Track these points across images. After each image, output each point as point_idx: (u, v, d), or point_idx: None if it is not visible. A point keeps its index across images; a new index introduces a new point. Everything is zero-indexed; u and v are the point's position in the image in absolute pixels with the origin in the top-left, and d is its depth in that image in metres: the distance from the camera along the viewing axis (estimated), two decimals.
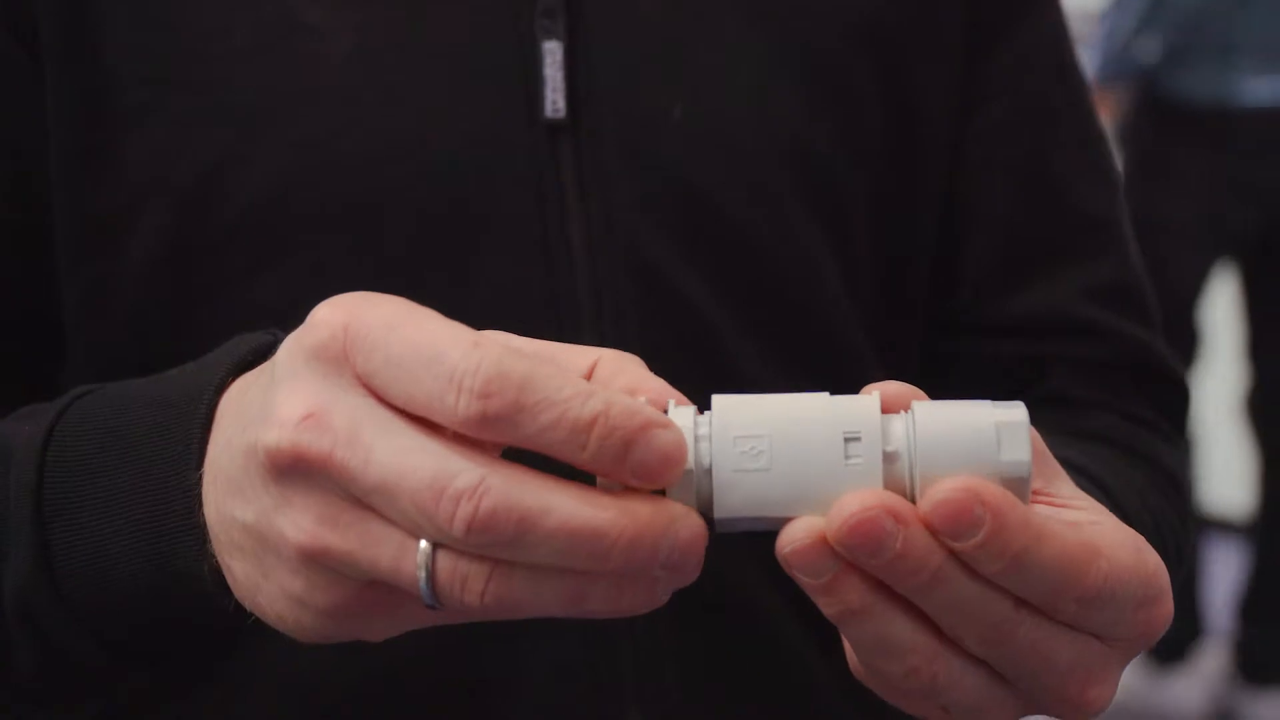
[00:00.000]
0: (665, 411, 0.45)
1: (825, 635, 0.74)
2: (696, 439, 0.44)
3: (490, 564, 0.43)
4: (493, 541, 0.42)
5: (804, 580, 0.45)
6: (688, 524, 0.43)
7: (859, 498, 0.43)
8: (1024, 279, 0.78)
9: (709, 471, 0.45)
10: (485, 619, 0.45)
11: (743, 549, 0.72)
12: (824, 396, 0.46)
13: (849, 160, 0.73)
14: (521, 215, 0.67)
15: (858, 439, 0.45)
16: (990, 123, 0.78)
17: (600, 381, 0.46)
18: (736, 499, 0.45)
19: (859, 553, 0.43)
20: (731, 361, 0.70)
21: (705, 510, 0.45)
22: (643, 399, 0.45)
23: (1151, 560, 0.47)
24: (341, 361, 0.44)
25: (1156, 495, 0.75)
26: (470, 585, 0.43)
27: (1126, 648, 0.48)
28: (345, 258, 0.67)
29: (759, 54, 0.72)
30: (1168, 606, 0.48)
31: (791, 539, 0.44)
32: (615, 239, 0.68)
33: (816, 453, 0.45)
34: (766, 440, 0.45)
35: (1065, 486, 0.50)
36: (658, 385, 0.46)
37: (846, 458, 0.45)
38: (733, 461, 0.45)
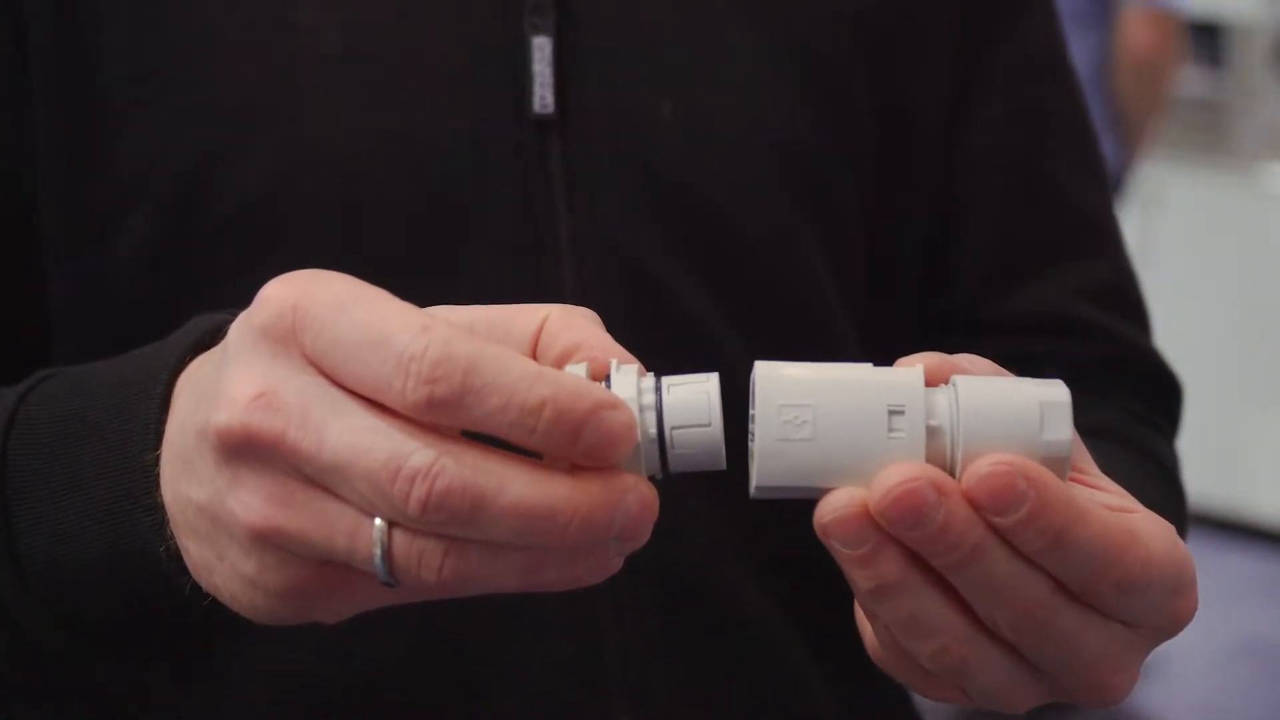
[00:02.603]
0: (608, 375, 0.45)
1: (813, 633, 0.74)
2: (641, 407, 0.44)
3: (446, 541, 0.43)
4: (448, 520, 0.42)
5: (841, 551, 0.45)
6: (639, 494, 0.44)
7: (902, 469, 0.44)
8: (1017, 278, 0.79)
9: (654, 440, 0.45)
10: (441, 596, 0.45)
11: (732, 548, 0.72)
12: (867, 367, 0.46)
13: (840, 157, 0.73)
14: (510, 211, 0.67)
15: (901, 412, 0.45)
16: (983, 122, 0.78)
17: (547, 339, 0.46)
18: (780, 468, 0.45)
19: (900, 524, 0.44)
20: (720, 357, 0.69)
21: (653, 474, 0.45)
22: (585, 366, 0.45)
23: (1182, 550, 0.48)
24: (290, 340, 0.44)
25: (1154, 489, 0.75)
26: (427, 562, 0.43)
27: (1153, 636, 0.49)
28: (334, 255, 0.66)
29: (750, 51, 0.71)
30: (1195, 598, 0.48)
31: (833, 508, 0.44)
32: (604, 235, 0.68)
33: (860, 424, 0.45)
34: (811, 410, 0.45)
35: (1091, 464, 0.50)
36: (601, 343, 0.46)
37: (890, 430, 0.45)
38: (776, 430, 0.45)
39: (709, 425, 0.45)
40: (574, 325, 0.46)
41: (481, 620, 0.68)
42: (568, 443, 0.42)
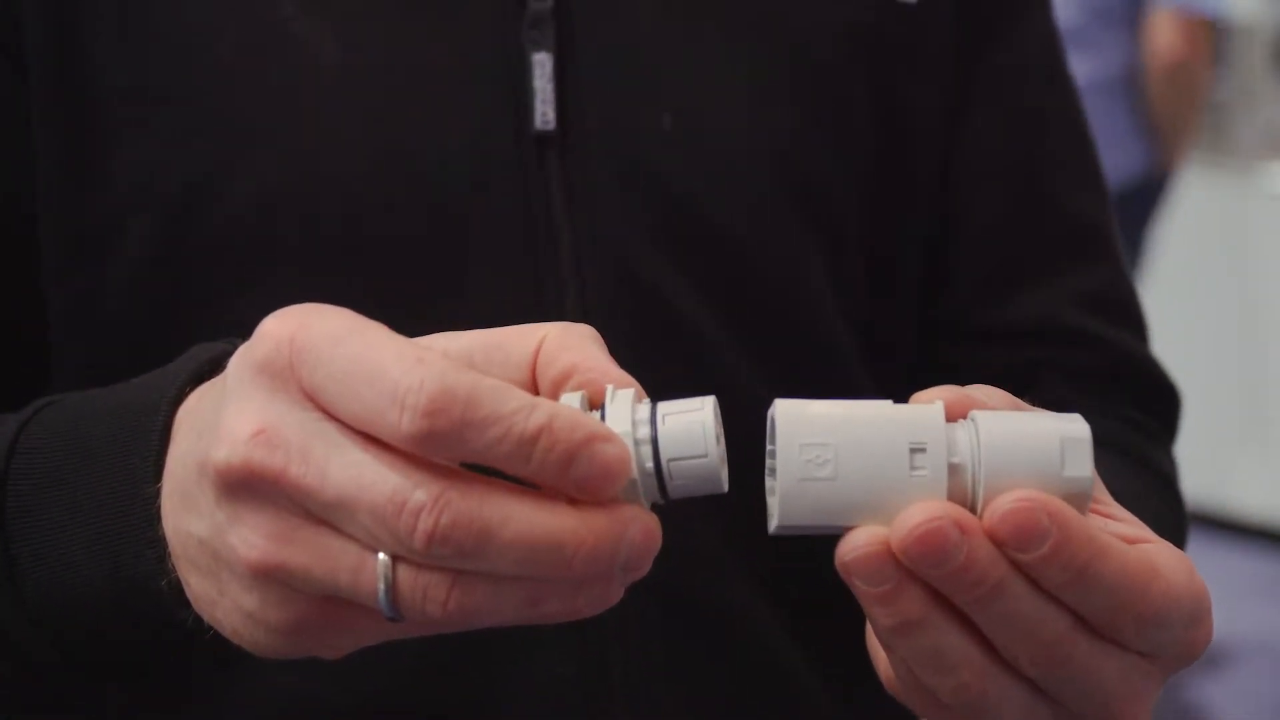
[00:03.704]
0: (602, 406, 0.45)
1: (817, 651, 0.73)
2: (636, 441, 0.44)
3: (451, 574, 0.43)
4: (454, 553, 0.42)
5: (862, 589, 0.45)
6: (642, 524, 0.44)
7: (925, 508, 0.44)
8: (1015, 286, 0.79)
9: (651, 473, 0.44)
10: (444, 630, 0.45)
11: (736, 565, 0.71)
12: (888, 405, 0.46)
13: (839, 169, 0.73)
14: (510, 227, 0.67)
15: (923, 449, 0.45)
16: (980, 129, 0.77)
17: (545, 360, 0.46)
18: (801, 507, 0.45)
19: (923, 563, 0.44)
20: (722, 370, 0.69)
21: (653, 501, 0.45)
22: (581, 394, 0.45)
23: (1199, 581, 0.48)
24: (288, 375, 0.44)
25: (1155, 500, 0.75)
26: (432, 595, 0.43)
27: (1169, 666, 0.49)
28: (332, 270, 0.66)
29: (748, 63, 0.71)
30: (1211, 626, 0.48)
31: (854, 546, 0.44)
32: (604, 250, 0.68)
33: (882, 463, 0.45)
34: (832, 449, 0.45)
35: (1106, 493, 0.50)
36: (597, 365, 0.46)
37: (912, 469, 0.45)
38: (798, 470, 0.45)
39: (705, 456, 0.44)
40: (571, 345, 0.46)
41: (486, 641, 0.67)
42: (560, 473, 0.42)
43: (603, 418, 0.44)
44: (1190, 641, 0.48)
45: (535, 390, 0.46)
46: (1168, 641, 0.47)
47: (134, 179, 0.66)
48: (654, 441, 0.44)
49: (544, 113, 0.67)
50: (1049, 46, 0.81)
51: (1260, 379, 3.65)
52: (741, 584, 0.71)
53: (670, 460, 0.44)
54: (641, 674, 0.68)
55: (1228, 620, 3.27)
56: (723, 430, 0.46)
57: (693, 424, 0.44)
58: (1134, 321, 0.81)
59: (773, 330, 0.72)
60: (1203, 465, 3.56)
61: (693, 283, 0.69)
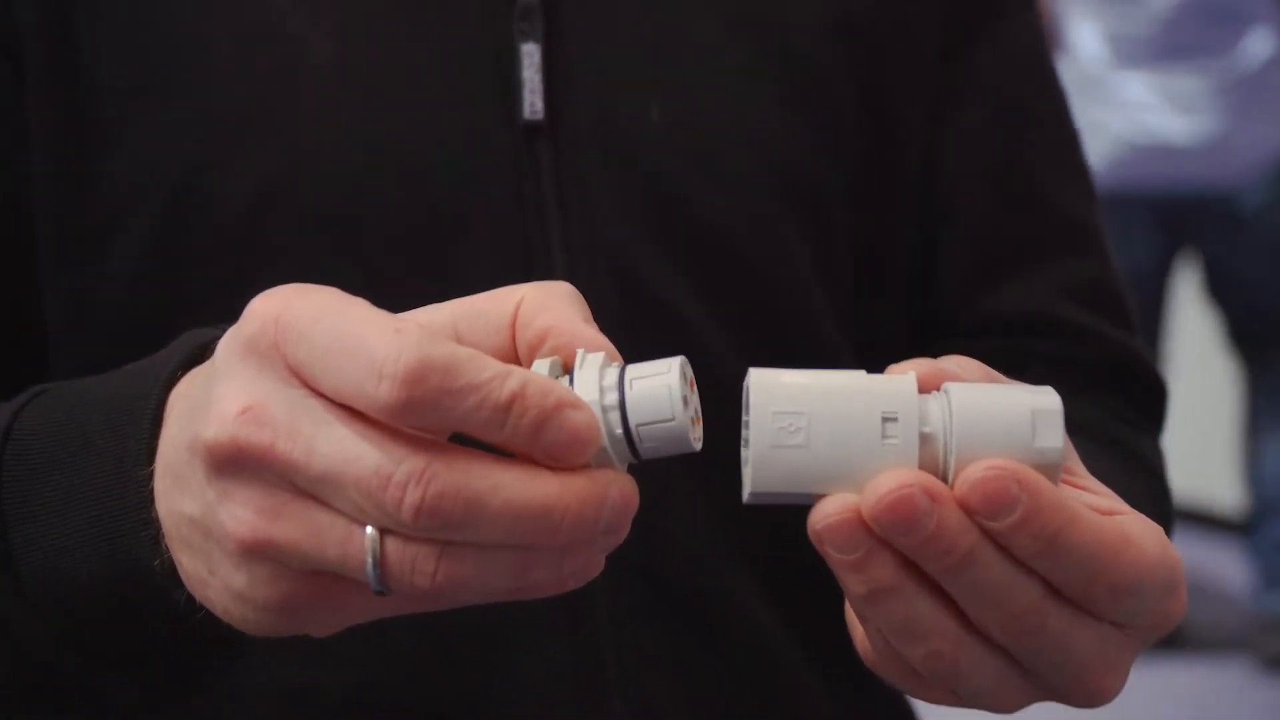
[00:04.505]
0: (570, 370, 0.45)
1: (811, 639, 0.74)
2: (604, 408, 0.45)
3: (439, 546, 0.44)
4: (442, 524, 0.43)
5: (834, 556, 0.45)
6: (619, 487, 0.44)
7: (895, 475, 0.44)
8: (1001, 280, 0.79)
9: (621, 438, 0.45)
10: (431, 606, 0.46)
11: (729, 554, 0.72)
12: (861, 375, 0.47)
13: (827, 160, 0.73)
14: (501, 217, 0.67)
15: (895, 419, 0.45)
16: (966, 126, 0.78)
17: (523, 321, 0.46)
18: (774, 475, 0.46)
19: (893, 530, 0.44)
20: (711, 360, 0.70)
21: (627, 463, 0.46)
22: (555, 361, 0.45)
23: (1173, 551, 0.48)
24: (274, 353, 0.44)
25: (1140, 488, 0.75)
26: (420, 568, 0.44)
27: (1143, 636, 0.49)
28: (327, 263, 0.67)
29: (737, 55, 0.72)
30: (1184, 597, 0.49)
31: (826, 514, 0.45)
32: (594, 240, 0.68)
33: (854, 432, 0.45)
34: (805, 418, 0.45)
35: (1081, 466, 0.51)
36: (570, 329, 0.46)
37: (884, 437, 0.45)
38: (771, 438, 0.46)
39: (673, 420, 0.45)
40: (547, 307, 0.47)
41: (480, 632, 0.68)
42: (531, 438, 0.43)
43: (571, 383, 0.45)
44: (1164, 612, 0.48)
45: (515, 354, 0.47)
46: (1141, 611, 0.47)
47: (130, 175, 0.66)
48: (621, 407, 0.45)
49: (533, 103, 0.67)
50: (1034, 42, 0.81)
51: None
52: (735, 573, 0.72)
53: (639, 425, 0.45)
54: (636, 665, 0.69)
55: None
56: (695, 390, 0.46)
57: (659, 388, 0.45)
58: (1120, 314, 0.81)
59: (761, 320, 0.72)
60: (1203, 465, 3.58)
61: (682, 272, 0.70)
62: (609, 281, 0.68)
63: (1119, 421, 0.78)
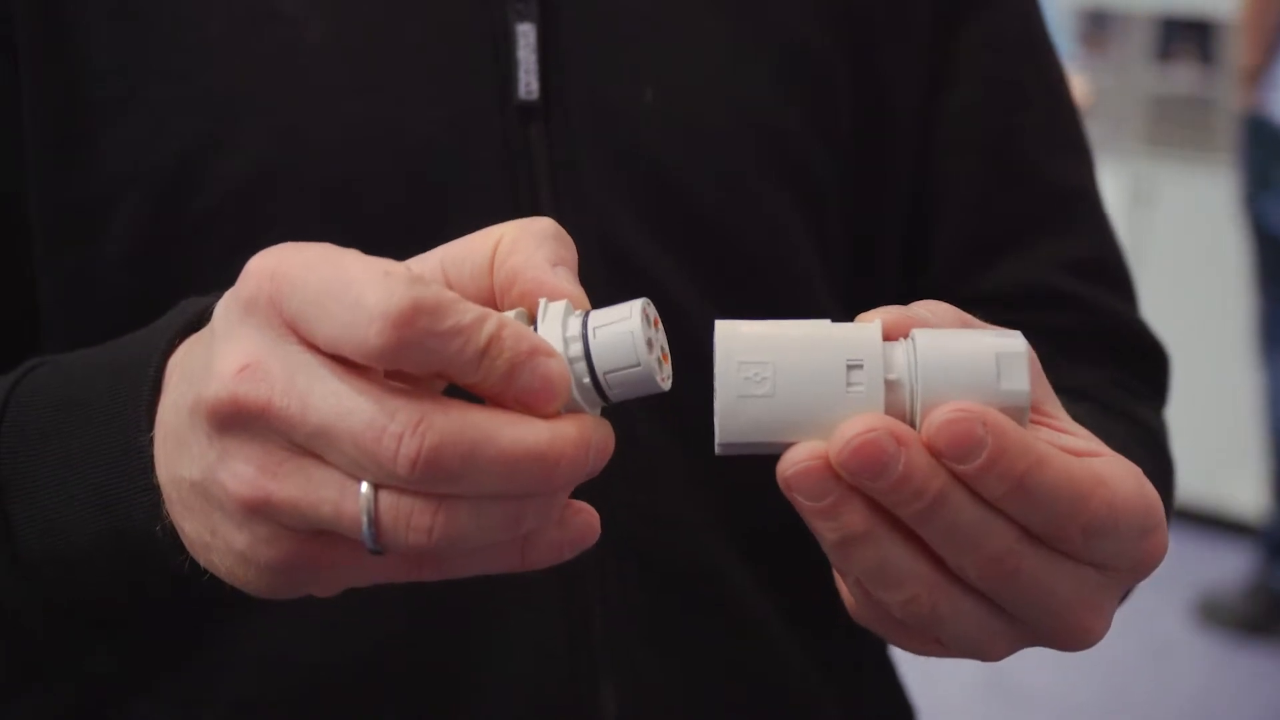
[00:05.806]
0: (535, 314, 0.46)
1: (799, 612, 0.74)
2: (570, 359, 0.45)
3: (435, 499, 0.44)
4: (438, 476, 0.43)
5: (804, 504, 0.45)
6: (600, 430, 0.45)
7: (861, 420, 0.44)
8: (995, 254, 0.79)
9: (589, 386, 0.46)
10: (427, 572, 0.46)
11: (717, 529, 0.72)
12: (825, 324, 0.47)
13: (820, 140, 0.74)
14: (495, 197, 0.68)
15: (860, 366, 0.46)
16: (960, 103, 0.78)
17: (498, 263, 0.47)
18: (741, 424, 0.46)
19: (861, 475, 0.44)
20: (704, 338, 0.70)
21: (599, 407, 0.46)
22: (521, 311, 0.46)
23: (1150, 491, 0.48)
24: (271, 310, 0.45)
25: (1137, 448, 0.75)
26: (415, 523, 0.44)
27: (1124, 578, 0.49)
28: (320, 241, 0.67)
29: (730, 36, 0.72)
30: (1165, 537, 0.49)
31: (794, 461, 0.45)
32: (587, 221, 0.68)
33: (819, 380, 0.46)
34: (770, 367, 0.46)
35: (1060, 410, 0.50)
36: (536, 275, 0.46)
37: (849, 385, 0.46)
38: (737, 387, 0.46)
39: (638, 365, 0.45)
40: (518, 249, 0.47)
41: (471, 604, 0.68)
42: (504, 383, 0.43)
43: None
44: (1143, 552, 0.48)
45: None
46: (1118, 551, 0.47)
47: (123, 157, 0.67)
48: (587, 357, 0.45)
49: (527, 83, 0.68)
50: (1027, 17, 0.81)
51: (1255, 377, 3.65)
52: (724, 548, 0.72)
53: (605, 373, 0.45)
54: (623, 637, 0.69)
55: None
56: (659, 328, 0.47)
57: (621, 334, 0.45)
58: (1120, 285, 0.81)
59: (755, 301, 0.72)
60: (1201, 465, 3.57)
61: (675, 253, 0.70)
62: (600, 260, 0.68)
63: (1116, 387, 0.78)
